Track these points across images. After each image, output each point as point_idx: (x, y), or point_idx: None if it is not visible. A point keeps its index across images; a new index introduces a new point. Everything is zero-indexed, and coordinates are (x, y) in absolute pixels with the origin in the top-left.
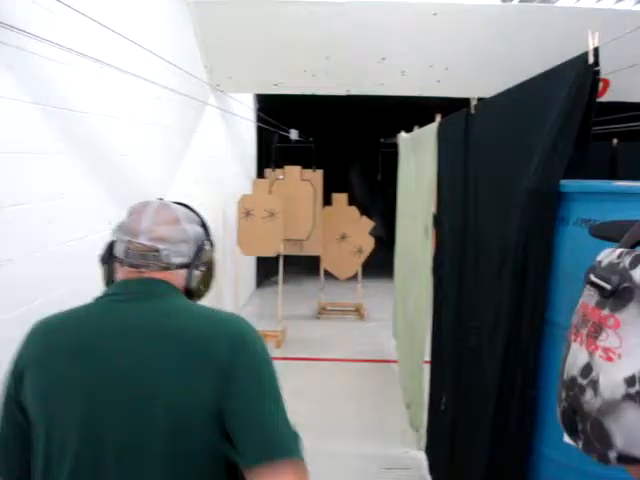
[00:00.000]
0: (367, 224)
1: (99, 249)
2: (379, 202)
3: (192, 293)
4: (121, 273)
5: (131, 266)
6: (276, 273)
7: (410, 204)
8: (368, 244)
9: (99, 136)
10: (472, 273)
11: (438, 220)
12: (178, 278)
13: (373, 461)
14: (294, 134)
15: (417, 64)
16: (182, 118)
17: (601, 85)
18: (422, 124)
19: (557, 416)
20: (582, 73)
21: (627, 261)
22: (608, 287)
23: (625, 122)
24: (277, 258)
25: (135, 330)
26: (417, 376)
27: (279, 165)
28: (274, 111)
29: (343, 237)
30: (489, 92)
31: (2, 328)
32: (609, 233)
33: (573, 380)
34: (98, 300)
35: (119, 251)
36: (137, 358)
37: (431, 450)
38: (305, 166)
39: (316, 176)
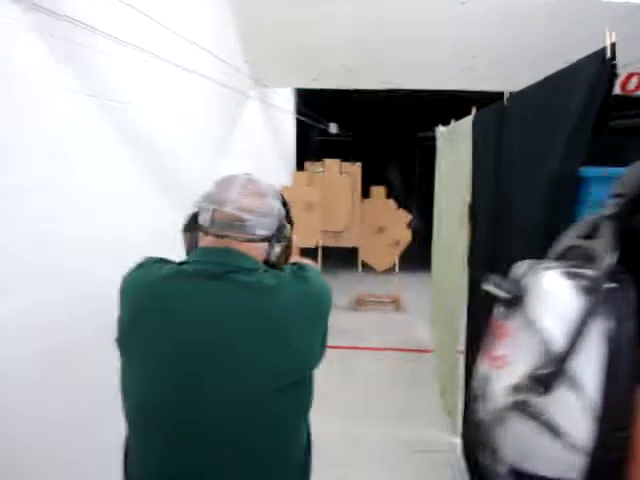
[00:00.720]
0: (405, 217)
1: (150, 238)
2: (417, 195)
3: (271, 266)
4: (205, 242)
5: (216, 235)
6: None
7: (447, 196)
8: (405, 237)
9: (148, 128)
10: (502, 260)
11: (473, 210)
12: (260, 250)
13: (407, 444)
14: (333, 127)
15: (447, 55)
16: (225, 111)
17: (637, 80)
18: (458, 118)
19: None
20: (600, 68)
21: (524, 271)
22: (504, 295)
23: None
24: (316, 249)
25: (224, 301)
26: (452, 364)
27: (318, 158)
28: (314, 105)
29: (381, 229)
30: (520, 84)
31: None
32: None
33: (474, 394)
34: (183, 267)
35: (204, 220)
36: (223, 324)
37: (464, 433)
38: (344, 159)
39: (355, 169)
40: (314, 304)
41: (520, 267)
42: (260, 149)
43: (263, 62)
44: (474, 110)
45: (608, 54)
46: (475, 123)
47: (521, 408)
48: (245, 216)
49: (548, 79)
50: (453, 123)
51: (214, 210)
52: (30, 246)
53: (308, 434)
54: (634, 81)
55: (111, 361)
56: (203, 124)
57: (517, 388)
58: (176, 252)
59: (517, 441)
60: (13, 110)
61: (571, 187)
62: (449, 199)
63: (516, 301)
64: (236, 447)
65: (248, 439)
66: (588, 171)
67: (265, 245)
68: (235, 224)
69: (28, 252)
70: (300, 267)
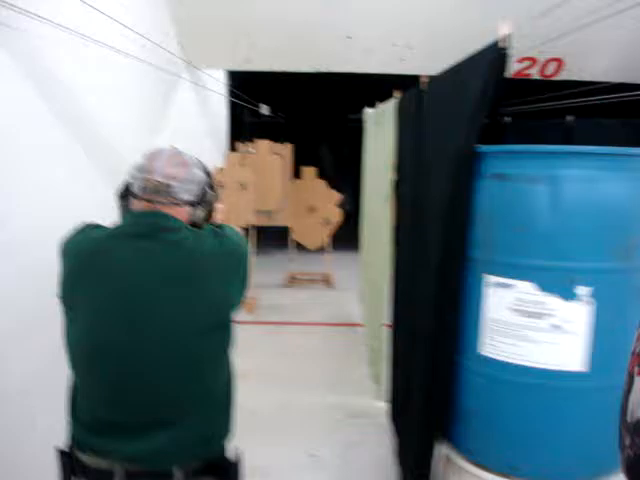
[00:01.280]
0: (335, 197)
1: (78, 211)
2: (347, 176)
3: (196, 225)
4: (136, 207)
5: (146, 200)
6: None
7: (374, 176)
8: (336, 216)
9: (86, 109)
10: (421, 233)
11: (397, 187)
12: (184, 213)
13: (339, 411)
14: (265, 109)
15: (381, 42)
16: (158, 92)
17: (555, 65)
18: (387, 100)
19: (620, 464)
20: (495, 56)
21: None
22: None
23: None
24: (248, 229)
25: (151, 257)
26: (379, 336)
27: (251, 139)
28: (246, 87)
29: (312, 209)
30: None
31: None
32: None
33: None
34: (117, 229)
35: (136, 187)
36: (151, 277)
37: (390, 400)
38: (275, 141)
39: (285, 150)
40: (230, 256)
41: None
42: (193, 130)
43: (195, 44)
44: (397, 94)
45: (502, 44)
46: (398, 106)
47: None
48: (171, 183)
49: (456, 66)
50: (379, 106)
51: (144, 178)
52: None
53: (229, 371)
54: (552, 66)
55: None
56: (137, 105)
57: None
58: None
59: None
60: None
61: (470, 161)
62: (376, 179)
63: None
64: (166, 379)
65: (175, 375)
66: (486, 147)
67: (189, 208)
68: (162, 190)
69: None
70: (218, 226)
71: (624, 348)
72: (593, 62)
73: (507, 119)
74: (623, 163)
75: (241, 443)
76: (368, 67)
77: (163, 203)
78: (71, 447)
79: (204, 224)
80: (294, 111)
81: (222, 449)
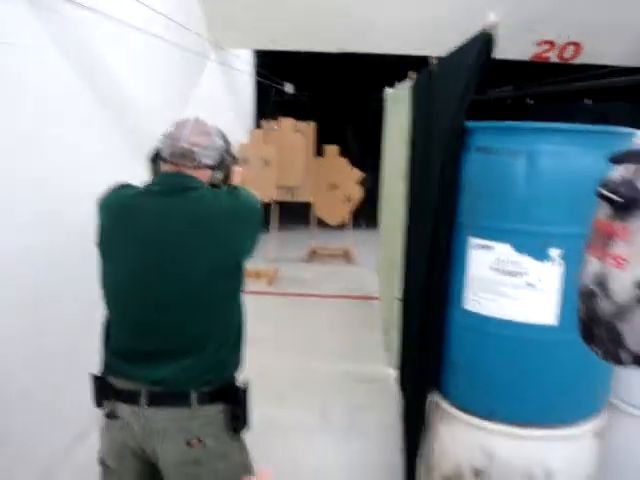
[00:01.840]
0: (356, 174)
1: (110, 179)
2: (369, 155)
3: (214, 185)
4: (164, 169)
5: (172, 164)
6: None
7: (392, 155)
8: (357, 193)
9: (114, 88)
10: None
11: (411, 165)
12: (205, 175)
13: (350, 376)
14: (289, 88)
15: (402, 24)
16: (186, 73)
17: (573, 49)
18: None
19: (577, 326)
20: (482, 43)
21: (633, 174)
22: (618, 199)
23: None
24: (269, 205)
25: (175, 211)
26: (392, 307)
27: (275, 117)
28: (271, 66)
29: (333, 186)
30: None
31: None
32: (625, 158)
33: (587, 290)
34: (147, 188)
35: (164, 152)
36: (174, 228)
37: (398, 365)
38: (299, 119)
39: (309, 128)
40: (242, 212)
41: (619, 172)
42: (219, 108)
43: (222, 25)
44: (413, 74)
45: (489, 31)
46: (413, 85)
47: None
48: (194, 149)
49: (454, 50)
50: (397, 85)
51: (172, 144)
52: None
53: (241, 311)
54: (570, 50)
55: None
56: (165, 85)
57: None
58: None
59: None
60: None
61: (458, 136)
62: (394, 157)
63: (634, 204)
64: (187, 314)
65: (194, 311)
66: (473, 124)
67: (210, 171)
68: (187, 155)
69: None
70: (235, 187)
71: None
72: (610, 46)
73: (529, 101)
74: (591, 139)
75: (256, 402)
76: (388, 48)
77: (187, 166)
78: (103, 373)
79: (222, 185)
80: (318, 90)
81: (232, 378)
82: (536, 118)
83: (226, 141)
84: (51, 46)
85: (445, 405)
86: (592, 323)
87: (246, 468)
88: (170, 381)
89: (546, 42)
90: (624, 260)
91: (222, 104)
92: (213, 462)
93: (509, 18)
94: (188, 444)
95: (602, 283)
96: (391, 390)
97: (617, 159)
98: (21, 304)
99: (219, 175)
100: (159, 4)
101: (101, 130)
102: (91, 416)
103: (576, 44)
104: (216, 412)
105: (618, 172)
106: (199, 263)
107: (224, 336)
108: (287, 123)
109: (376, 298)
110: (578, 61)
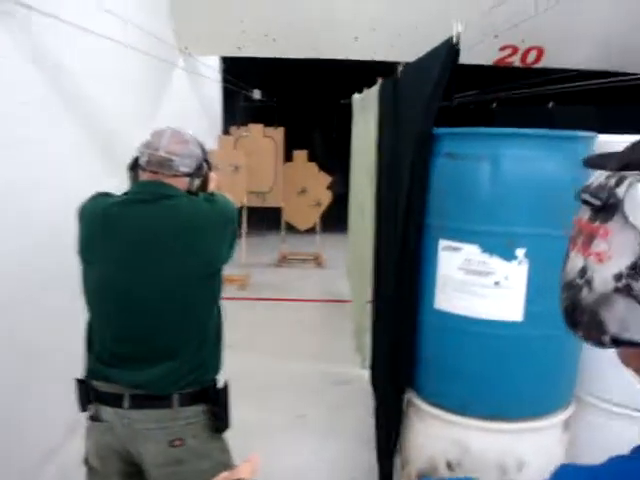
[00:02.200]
0: (325, 179)
1: (77, 191)
2: (337, 159)
3: (192, 193)
4: (143, 177)
5: (151, 172)
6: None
7: (360, 159)
8: (326, 197)
9: (82, 93)
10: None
11: (379, 169)
12: (183, 183)
13: (325, 377)
14: (257, 94)
15: (369, 29)
16: (154, 79)
17: (535, 54)
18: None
19: (561, 313)
20: (449, 51)
21: (613, 181)
22: (597, 203)
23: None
24: (241, 209)
25: (153, 219)
26: (363, 310)
27: (244, 123)
28: (239, 72)
29: (303, 191)
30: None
31: None
32: (599, 163)
33: (571, 282)
34: (125, 196)
35: (142, 161)
36: (152, 235)
37: (371, 366)
38: (268, 124)
39: (277, 133)
40: (219, 216)
41: (599, 177)
42: (188, 114)
43: (190, 32)
44: (380, 80)
45: (454, 40)
46: (380, 91)
47: (624, 291)
48: (172, 157)
49: (420, 58)
50: (365, 91)
51: (149, 153)
52: None
53: (219, 315)
54: (533, 54)
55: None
56: (133, 91)
57: (619, 276)
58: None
59: (620, 317)
60: None
61: (427, 142)
62: (361, 161)
63: (612, 207)
64: (165, 320)
65: (173, 316)
66: (440, 130)
67: (187, 179)
68: (165, 163)
69: None
70: (211, 194)
71: (555, 302)
72: (573, 50)
73: (493, 106)
74: (553, 143)
75: (233, 405)
76: (357, 54)
77: (165, 174)
78: (87, 377)
79: (199, 192)
80: (286, 95)
81: (213, 380)
82: (501, 123)
83: (203, 149)
84: (15, 53)
85: (419, 401)
86: (576, 311)
87: (227, 467)
88: (151, 385)
89: (509, 47)
90: (605, 256)
91: (191, 111)
92: (195, 462)
93: (473, 24)
94: (171, 444)
95: (585, 276)
96: (365, 390)
97: (591, 163)
98: None
99: (197, 182)
100: (127, 12)
101: (69, 135)
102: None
103: (539, 49)
104: (197, 412)
105: (597, 176)
106: (176, 269)
107: (203, 339)
108: (256, 129)
109: (347, 301)
110: (541, 65)
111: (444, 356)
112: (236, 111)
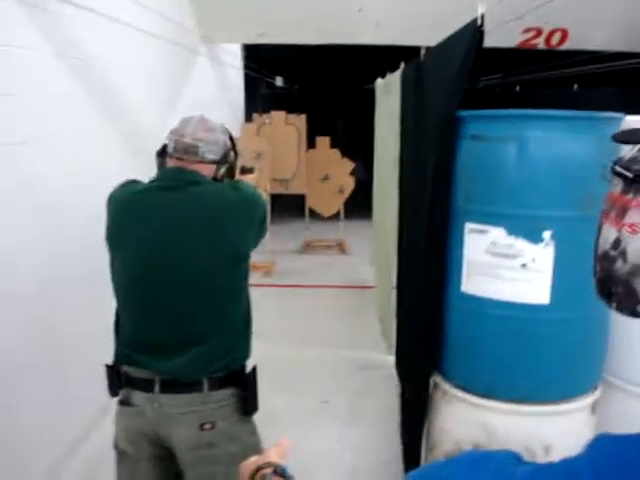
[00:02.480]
0: (348, 165)
1: (96, 179)
2: (361, 145)
3: (217, 182)
4: (170, 164)
5: (177, 158)
6: None
7: (383, 144)
8: (349, 184)
9: (110, 83)
10: (416, 194)
11: (402, 153)
12: (209, 170)
13: (349, 363)
14: (279, 81)
15: (390, 15)
16: (176, 67)
17: (559, 35)
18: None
19: (594, 286)
20: (473, 33)
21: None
22: (630, 175)
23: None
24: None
25: (178, 205)
26: (388, 296)
27: (266, 110)
28: (261, 60)
29: (326, 178)
30: None
31: None
32: (630, 138)
33: (605, 254)
34: (152, 183)
35: (170, 147)
36: (177, 221)
37: (396, 352)
38: (290, 111)
39: (300, 120)
40: (245, 203)
41: (631, 151)
42: (210, 102)
43: (212, 19)
44: (402, 65)
45: (479, 22)
46: (403, 76)
47: None
48: (198, 144)
49: (444, 41)
50: (388, 76)
51: (176, 140)
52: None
53: (247, 300)
54: (557, 36)
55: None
56: (156, 79)
57: None
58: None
59: None
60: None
61: (452, 124)
62: (385, 146)
63: None
64: (194, 305)
65: (201, 301)
66: (465, 112)
67: (213, 166)
68: (190, 150)
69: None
70: (236, 182)
71: (582, 284)
72: (596, 32)
73: (517, 89)
74: (579, 125)
75: (260, 391)
76: (378, 39)
77: (191, 161)
78: (116, 362)
79: (225, 179)
80: (307, 82)
81: (241, 365)
82: (526, 105)
83: (230, 137)
84: (43, 44)
85: (446, 385)
86: (610, 282)
87: (257, 450)
88: (180, 372)
89: (533, 29)
90: (638, 227)
91: (214, 98)
92: (226, 444)
93: (496, 7)
94: (201, 428)
95: (618, 247)
96: (390, 376)
97: (620, 138)
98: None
99: (223, 170)
100: (150, 1)
101: (96, 125)
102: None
103: (563, 30)
104: (227, 396)
105: (628, 150)
106: (202, 255)
107: (231, 325)
108: (278, 116)
109: (371, 287)
110: (565, 47)
111: (471, 339)
112: (258, 98)
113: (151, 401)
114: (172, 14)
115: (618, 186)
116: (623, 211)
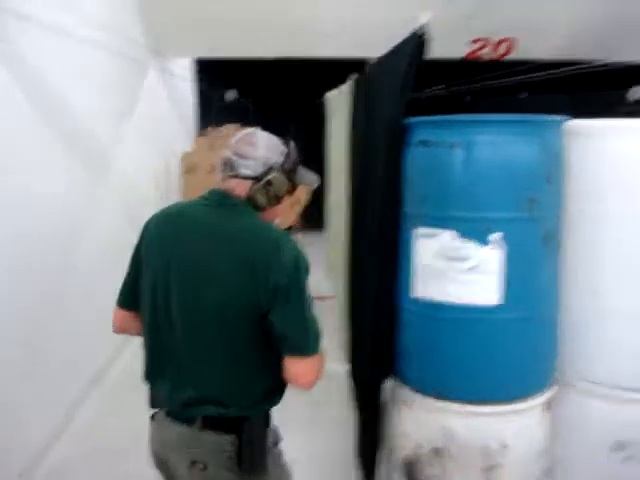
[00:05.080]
0: None
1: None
2: (314, 157)
3: (254, 202)
4: (216, 178)
5: (220, 172)
6: None
7: (337, 155)
8: (304, 196)
9: (56, 95)
10: (366, 198)
11: (353, 163)
12: (243, 186)
13: None
14: (231, 94)
15: (340, 27)
16: (126, 81)
17: (506, 45)
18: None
19: None
20: (416, 42)
21: None
22: None
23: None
24: None
25: (208, 231)
26: (343, 306)
27: (219, 124)
28: (213, 73)
29: None
30: None
31: None
32: None
33: None
34: (197, 202)
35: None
36: (204, 250)
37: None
38: (244, 125)
39: None
40: (293, 281)
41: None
42: (161, 115)
43: (162, 33)
44: (352, 76)
45: (420, 31)
46: (353, 87)
47: None
48: (233, 157)
49: (388, 52)
50: (340, 87)
51: (223, 154)
52: None
53: (274, 374)
54: (504, 46)
55: None
56: (106, 92)
57: None
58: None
59: None
60: None
61: (399, 131)
62: (337, 158)
63: None
64: (194, 344)
65: (201, 341)
66: (413, 119)
67: (249, 182)
68: (227, 163)
69: None
70: (287, 234)
71: (531, 284)
72: (544, 41)
73: (467, 98)
74: (523, 128)
75: None
76: (328, 52)
77: (228, 175)
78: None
79: (261, 202)
80: (261, 95)
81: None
82: (475, 113)
83: (285, 156)
84: None
85: (403, 390)
86: None
87: None
88: (173, 406)
89: (480, 40)
90: None
91: (164, 112)
92: None
93: (442, 17)
94: (192, 465)
95: None
96: (345, 386)
97: None
98: None
99: (259, 188)
100: (100, 14)
101: (41, 137)
102: None
103: (509, 40)
104: (225, 443)
105: None
106: (227, 293)
107: (235, 373)
108: (231, 129)
109: (327, 298)
110: (512, 57)
111: (425, 343)
112: (211, 112)
113: (160, 421)
114: (121, 27)
115: None
116: None
